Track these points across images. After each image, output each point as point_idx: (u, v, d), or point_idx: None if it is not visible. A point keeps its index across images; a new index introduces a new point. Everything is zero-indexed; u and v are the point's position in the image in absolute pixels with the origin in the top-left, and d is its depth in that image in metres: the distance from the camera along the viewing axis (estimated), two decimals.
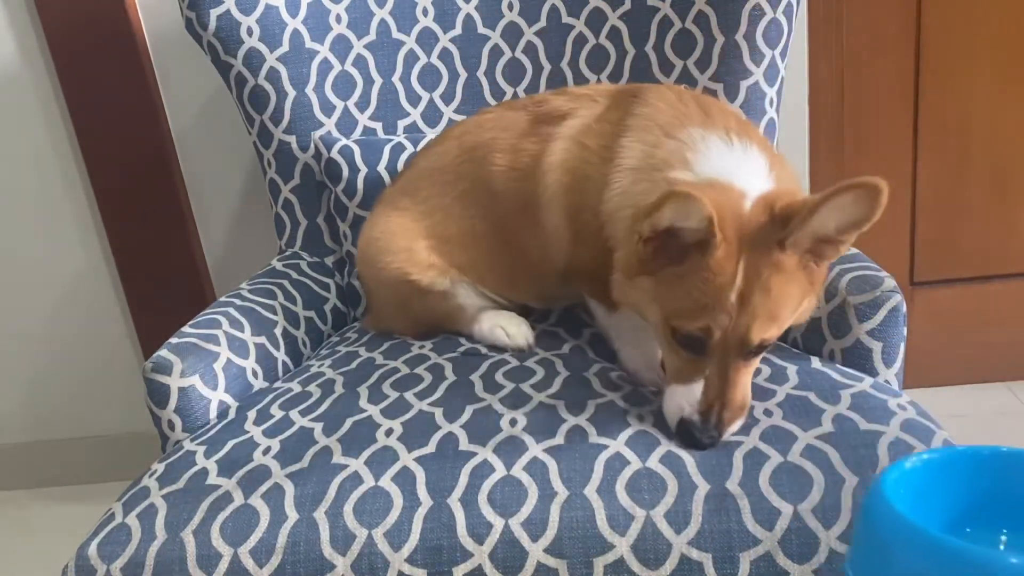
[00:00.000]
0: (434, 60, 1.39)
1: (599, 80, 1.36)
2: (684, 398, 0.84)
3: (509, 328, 1.09)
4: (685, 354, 0.84)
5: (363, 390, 0.99)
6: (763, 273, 0.79)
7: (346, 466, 0.85)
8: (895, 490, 0.55)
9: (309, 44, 1.34)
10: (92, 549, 0.82)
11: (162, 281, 1.66)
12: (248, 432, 0.94)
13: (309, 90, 1.34)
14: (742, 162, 0.87)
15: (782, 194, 0.82)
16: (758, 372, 0.94)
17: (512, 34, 1.38)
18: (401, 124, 1.39)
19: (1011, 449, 0.61)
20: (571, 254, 1.02)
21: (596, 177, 0.96)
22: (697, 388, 0.83)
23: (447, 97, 1.39)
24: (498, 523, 0.78)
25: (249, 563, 0.79)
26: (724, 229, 0.78)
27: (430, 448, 0.86)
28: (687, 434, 0.83)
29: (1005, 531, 0.56)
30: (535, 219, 1.03)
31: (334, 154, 1.31)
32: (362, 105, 1.38)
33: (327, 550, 0.79)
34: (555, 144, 1.01)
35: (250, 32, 1.30)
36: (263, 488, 0.84)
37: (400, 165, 1.30)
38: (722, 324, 0.80)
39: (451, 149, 1.12)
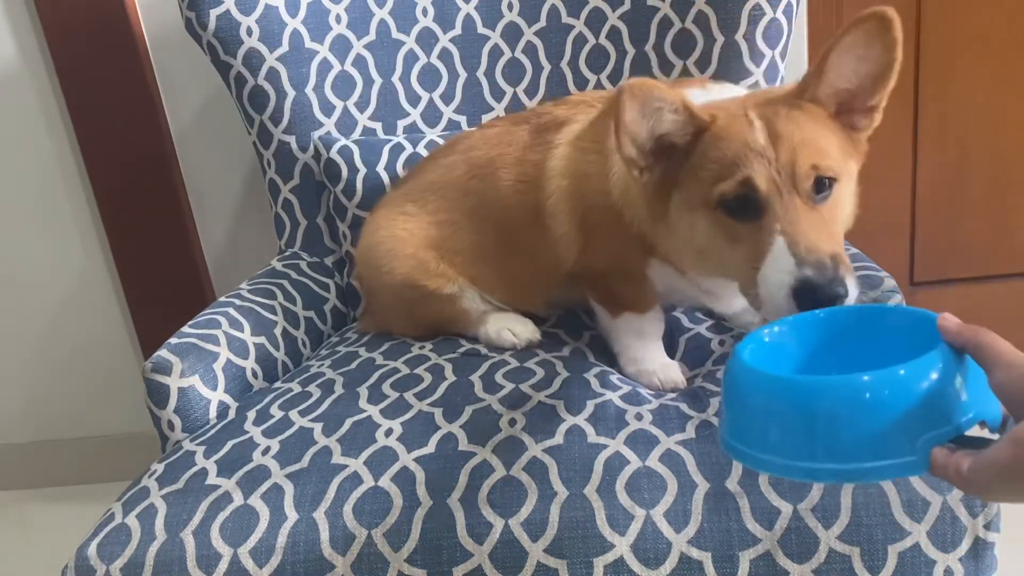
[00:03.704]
0: (434, 60, 1.39)
1: (599, 80, 1.36)
2: (778, 268, 0.73)
3: (516, 328, 1.10)
4: (746, 226, 0.76)
5: (363, 390, 0.99)
6: (782, 112, 0.76)
7: (346, 466, 0.85)
8: (752, 355, 0.63)
9: (309, 44, 1.34)
10: (92, 549, 0.82)
11: (162, 281, 1.66)
12: (248, 432, 0.94)
13: (309, 90, 1.34)
14: (727, 91, 0.87)
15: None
16: None
17: (512, 34, 1.38)
18: (401, 124, 1.39)
19: (842, 307, 0.71)
20: (579, 259, 1.03)
21: (595, 174, 0.97)
22: (780, 248, 0.74)
23: (447, 97, 1.39)
24: (498, 523, 0.78)
25: (249, 563, 0.79)
26: (715, 109, 0.78)
27: (430, 448, 0.86)
28: (808, 294, 0.72)
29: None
30: (544, 227, 1.04)
31: (333, 154, 1.31)
32: (362, 105, 1.38)
33: (327, 550, 0.79)
34: (555, 151, 1.02)
35: (250, 32, 1.30)
36: (263, 488, 0.84)
37: (399, 166, 1.30)
38: (762, 168, 0.75)
39: (458, 164, 1.12)
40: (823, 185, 0.77)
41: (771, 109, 0.78)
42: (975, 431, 0.56)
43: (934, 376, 0.55)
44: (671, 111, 0.77)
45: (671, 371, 0.99)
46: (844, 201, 0.81)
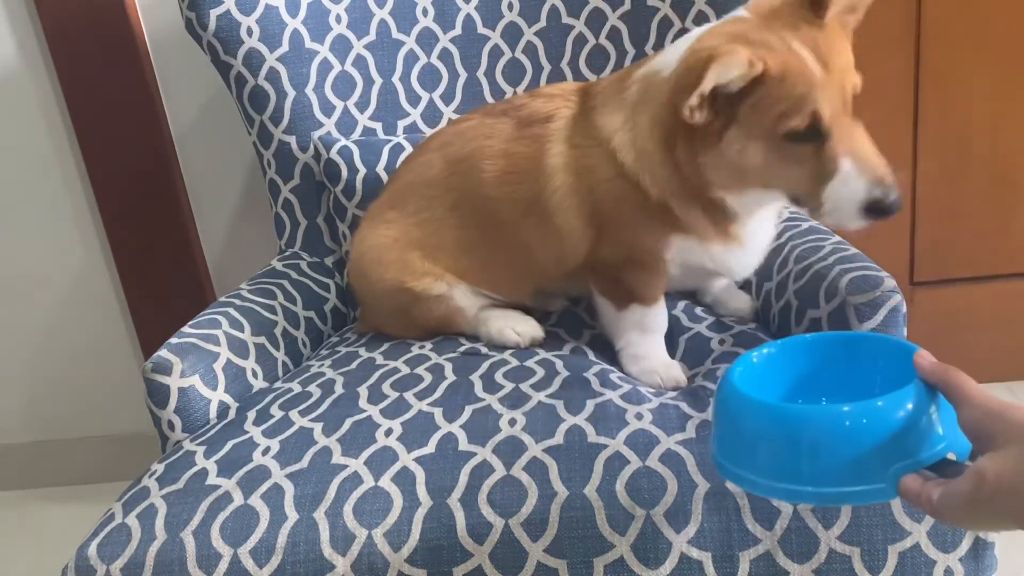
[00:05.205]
0: (434, 60, 1.39)
1: (598, 80, 1.35)
2: (850, 188, 0.83)
3: (519, 327, 1.09)
4: (810, 149, 0.84)
5: (363, 390, 0.99)
6: (820, 39, 0.83)
7: (346, 466, 0.85)
8: (742, 378, 0.68)
9: (309, 44, 1.34)
10: (92, 549, 0.82)
11: (162, 281, 1.66)
12: (248, 432, 0.94)
13: (309, 90, 1.34)
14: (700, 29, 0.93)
15: None
16: None
17: (512, 34, 1.38)
18: (401, 124, 1.39)
19: (829, 333, 0.84)
20: (591, 252, 1.03)
21: (598, 165, 0.98)
22: (848, 170, 0.83)
23: (447, 97, 1.39)
24: (498, 523, 0.78)
25: (249, 563, 0.79)
26: (760, 50, 0.82)
27: (430, 448, 0.86)
28: (879, 210, 0.84)
29: (824, 399, 0.71)
30: (543, 220, 1.04)
31: (333, 154, 1.31)
32: (362, 105, 1.38)
33: (327, 550, 0.79)
34: (550, 146, 1.02)
35: (250, 32, 1.30)
36: (263, 488, 0.84)
37: (399, 166, 1.30)
38: (824, 99, 0.81)
39: (434, 161, 1.12)
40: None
41: (808, 37, 0.83)
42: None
43: (908, 408, 0.60)
44: (740, 67, 0.81)
45: (673, 370, 1.00)
46: None
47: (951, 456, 0.60)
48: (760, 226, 1.01)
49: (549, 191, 1.02)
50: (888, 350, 0.69)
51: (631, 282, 1.01)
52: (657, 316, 1.03)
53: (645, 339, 1.03)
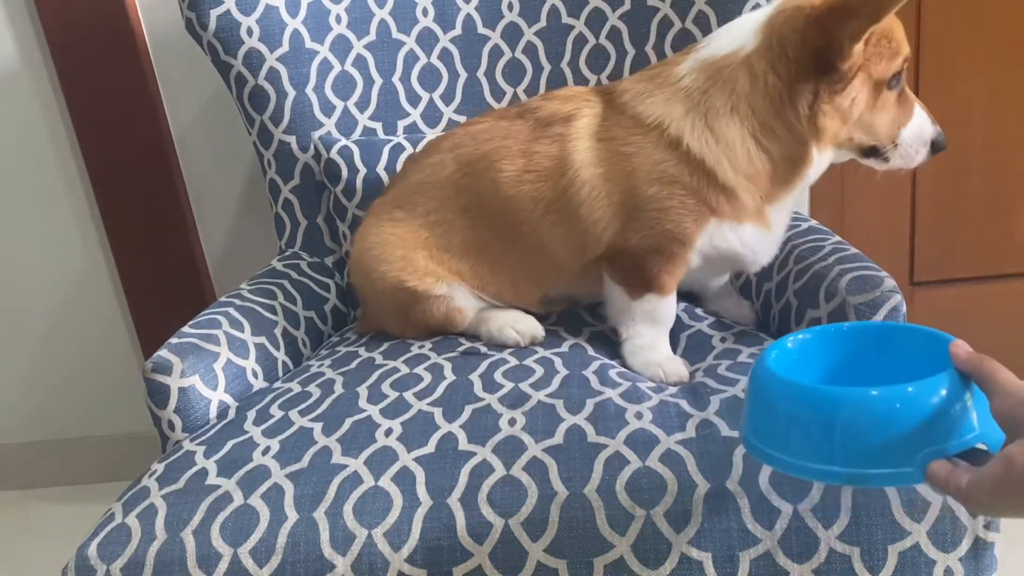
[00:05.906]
0: (434, 60, 1.39)
1: (599, 80, 1.36)
2: (921, 128, 0.98)
3: (519, 326, 1.09)
4: (895, 95, 0.95)
5: (363, 390, 0.99)
6: None
7: (346, 466, 0.85)
8: (777, 362, 0.69)
9: (309, 44, 1.34)
10: (92, 549, 0.82)
11: (162, 281, 1.66)
12: (248, 432, 0.94)
13: (309, 90, 1.35)
14: (742, 18, 1.00)
15: None
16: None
17: (512, 34, 1.38)
18: (401, 124, 1.39)
19: (865, 323, 0.88)
20: (615, 239, 1.03)
21: (638, 152, 0.99)
22: (919, 112, 0.97)
23: (447, 97, 1.39)
24: (498, 523, 0.78)
25: (249, 563, 0.79)
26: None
27: (430, 448, 0.86)
28: (940, 145, 1.00)
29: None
30: (565, 216, 1.04)
31: (333, 154, 1.31)
32: (362, 105, 1.38)
33: (327, 550, 0.79)
34: (576, 143, 1.03)
35: (250, 32, 1.30)
36: (263, 488, 0.84)
37: (399, 166, 1.30)
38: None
39: (447, 163, 1.12)
40: None
41: None
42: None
43: (939, 395, 0.61)
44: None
45: (676, 364, 1.01)
46: None
47: (981, 446, 0.61)
48: (784, 215, 1.05)
49: (577, 185, 1.02)
50: (923, 340, 0.69)
51: (654, 270, 1.02)
52: (669, 307, 1.04)
53: (652, 331, 1.03)
